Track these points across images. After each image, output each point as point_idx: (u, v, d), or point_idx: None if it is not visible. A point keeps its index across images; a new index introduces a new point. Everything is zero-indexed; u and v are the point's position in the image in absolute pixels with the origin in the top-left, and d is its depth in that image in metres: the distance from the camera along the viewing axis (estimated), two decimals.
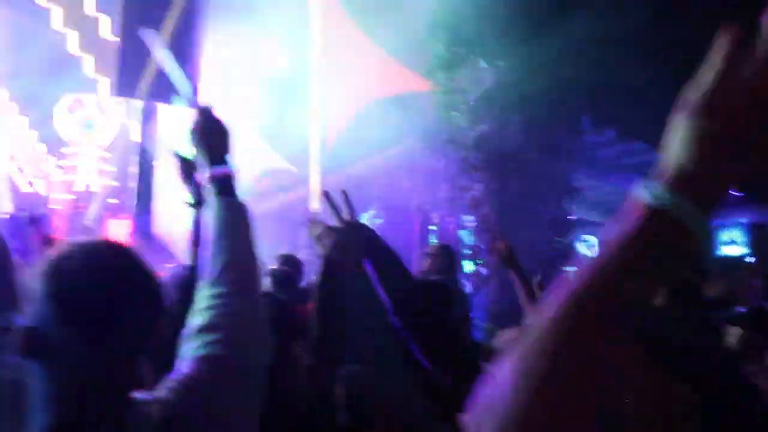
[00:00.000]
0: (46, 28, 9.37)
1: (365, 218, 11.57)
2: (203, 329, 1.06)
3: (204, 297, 1.09)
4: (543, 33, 5.35)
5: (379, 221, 10.62)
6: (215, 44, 6.17)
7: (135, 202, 7.34)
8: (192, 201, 1.72)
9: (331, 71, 8.62)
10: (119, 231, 8.84)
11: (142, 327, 0.99)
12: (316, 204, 9.38)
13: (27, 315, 0.96)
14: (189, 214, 1.75)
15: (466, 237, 8.80)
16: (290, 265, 3.47)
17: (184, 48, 5.49)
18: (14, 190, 10.78)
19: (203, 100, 1.36)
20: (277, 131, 9.39)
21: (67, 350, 0.93)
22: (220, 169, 1.22)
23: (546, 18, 5.44)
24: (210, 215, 1.19)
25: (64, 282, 0.95)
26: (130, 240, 6.97)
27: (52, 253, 1.00)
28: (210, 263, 1.12)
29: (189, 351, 1.03)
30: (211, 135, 1.24)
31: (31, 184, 11.20)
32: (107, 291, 0.96)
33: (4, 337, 1.26)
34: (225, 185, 1.21)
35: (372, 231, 1.76)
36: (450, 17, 6.80)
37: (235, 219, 1.18)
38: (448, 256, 3.56)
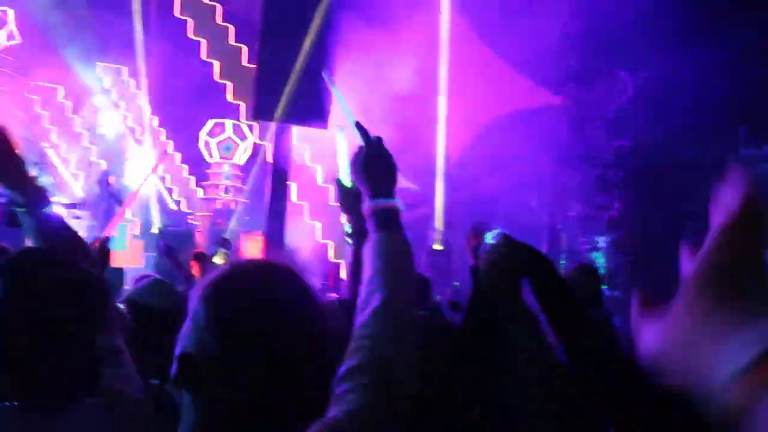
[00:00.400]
0: (194, 59, 10.22)
1: (489, 237, 11.31)
2: (352, 371, 0.98)
3: (357, 336, 1.02)
4: (695, 42, 4.91)
5: None
6: (345, 60, 6.34)
7: (267, 220, 7.68)
8: (351, 231, 1.68)
9: (457, 87, 8.56)
10: (252, 247, 9.35)
11: (305, 358, 0.92)
12: (440, 223, 9.31)
13: (184, 340, 0.91)
14: (348, 244, 1.71)
15: (599, 259, 8.29)
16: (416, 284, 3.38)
17: (318, 70, 5.66)
18: (163, 208, 11.82)
19: (372, 132, 1.31)
20: (399, 148, 9.45)
21: (226, 379, 0.87)
22: (383, 203, 1.16)
23: (699, 27, 4.99)
24: (369, 249, 1.12)
25: (227, 307, 0.90)
26: (262, 256, 7.27)
27: (213, 275, 0.95)
28: (366, 300, 1.05)
29: (337, 394, 0.96)
30: (377, 167, 1.20)
31: (177, 203, 12.22)
32: (271, 317, 0.90)
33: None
34: (388, 219, 1.15)
35: (535, 250, 1.59)
36: (584, 26, 6.48)
37: (397, 256, 1.11)
38: (592, 280, 3.14)
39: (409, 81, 8.19)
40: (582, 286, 2.90)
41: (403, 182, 10.15)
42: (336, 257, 9.79)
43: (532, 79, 7.75)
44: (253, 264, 1.00)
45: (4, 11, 11.43)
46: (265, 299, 0.91)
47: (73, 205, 8.70)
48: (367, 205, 1.16)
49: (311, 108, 6.14)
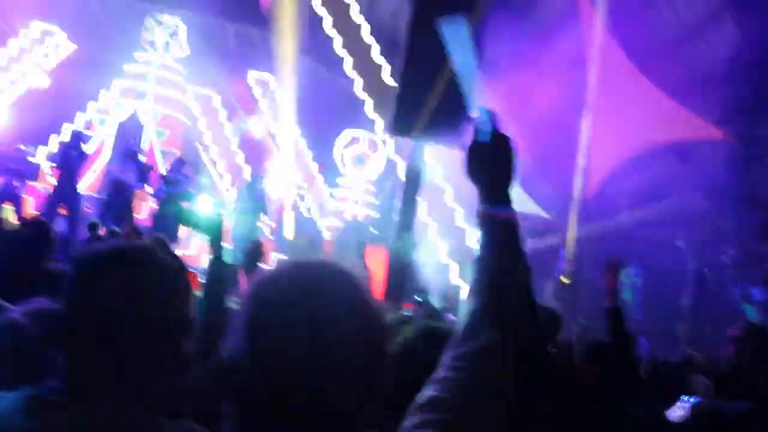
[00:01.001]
0: (337, 75, 10.69)
1: (623, 275, 10.60)
2: (434, 404, 0.85)
3: (448, 366, 0.90)
4: None
5: (637, 280, 9.62)
6: (490, 80, 6.26)
7: (394, 235, 7.74)
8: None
9: (603, 111, 8.13)
10: (376, 260, 9.49)
11: (353, 376, 0.80)
12: (570, 255, 8.88)
13: (226, 346, 0.83)
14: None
15: (752, 313, 7.42)
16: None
17: (459, 91, 5.62)
18: (296, 215, 12.42)
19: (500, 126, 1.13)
20: (533, 173, 9.17)
21: (256, 391, 0.78)
22: (499, 211, 0.99)
23: None
24: (478, 264, 0.97)
25: (263, 311, 0.81)
26: (384, 270, 7.33)
27: (260, 275, 0.87)
28: (467, 331, 0.91)
29: (410, 425, 0.84)
30: (498, 165, 1.01)
31: (309, 210, 12.79)
32: (310, 325, 0.78)
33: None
34: (504, 231, 0.98)
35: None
36: (758, 53, 5.87)
37: (512, 274, 0.95)
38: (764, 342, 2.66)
39: (551, 102, 7.92)
40: (754, 351, 2.54)
41: (533, 208, 9.85)
42: (459, 279, 9.68)
43: (691, 108, 7.16)
44: (301, 264, 0.87)
45: (177, 24, 12.70)
46: (300, 304, 0.79)
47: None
48: (479, 211, 1.00)
49: (448, 127, 6.12)
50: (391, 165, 10.87)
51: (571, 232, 8.41)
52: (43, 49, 12.83)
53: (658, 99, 7.64)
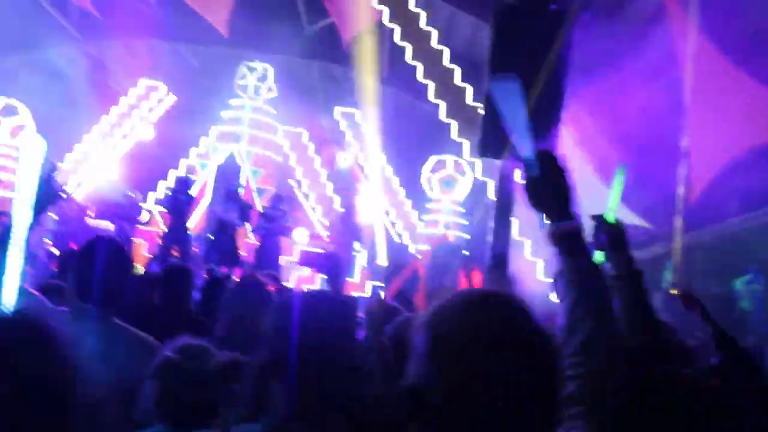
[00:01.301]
0: (422, 101, 10.88)
1: (740, 284, 9.89)
2: (572, 398, 0.91)
3: (571, 364, 0.96)
4: None
5: (756, 288, 8.97)
6: (573, 94, 6.16)
7: (489, 256, 7.67)
8: (616, 274, 1.59)
9: (702, 113, 7.74)
10: (471, 281, 9.44)
11: (524, 385, 0.87)
12: (677, 265, 8.43)
13: (411, 371, 0.90)
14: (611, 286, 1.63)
15: None
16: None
17: (546, 111, 5.60)
18: (388, 241, 12.62)
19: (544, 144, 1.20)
20: (631, 181, 8.80)
21: (445, 413, 0.83)
22: (564, 225, 1.08)
23: None
24: (558, 278, 1.05)
25: (444, 336, 0.88)
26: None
27: (435, 303, 0.94)
28: (570, 329, 0.98)
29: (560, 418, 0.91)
30: (551, 186, 1.10)
31: (400, 236, 12.95)
32: (489, 348, 0.86)
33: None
34: (571, 243, 1.06)
35: None
36: None
37: (590, 285, 1.02)
38: None
39: (646, 105, 7.64)
40: None
41: (632, 218, 9.46)
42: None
43: None
44: (476, 292, 0.98)
45: (265, 68, 13.44)
46: (486, 327, 0.86)
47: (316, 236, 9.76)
48: (547, 230, 1.09)
49: (540, 145, 6.03)
50: (480, 186, 10.85)
51: (678, 241, 8.00)
52: (148, 104, 13.98)
53: (762, 96, 7.19)
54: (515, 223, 8.65)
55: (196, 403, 1.48)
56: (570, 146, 10.22)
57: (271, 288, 2.50)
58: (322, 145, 14.35)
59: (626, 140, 8.08)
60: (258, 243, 9.21)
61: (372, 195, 12.99)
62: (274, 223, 9.01)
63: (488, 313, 0.91)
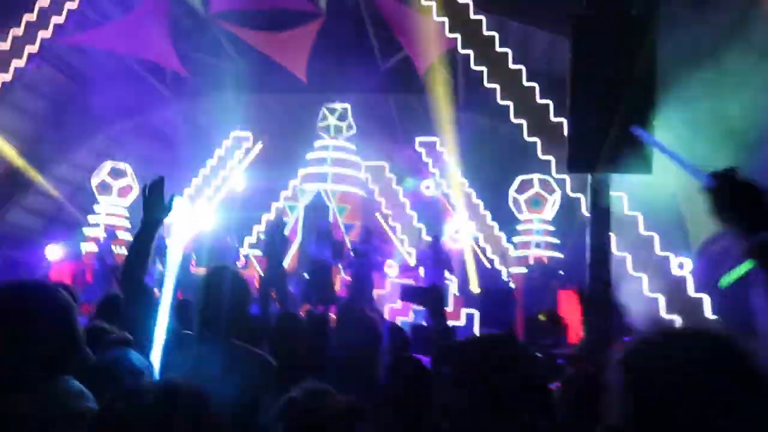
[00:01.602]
0: (501, 123, 10.76)
1: None
2: None
3: None
4: None
5: None
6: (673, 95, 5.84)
7: (587, 274, 7.35)
8: None
9: None
10: (571, 302, 9.07)
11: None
12: None
13: (609, 412, 0.86)
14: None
15: None
16: None
17: (638, 115, 5.36)
18: (479, 267, 12.43)
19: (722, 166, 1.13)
20: None
21: None
22: (763, 236, 1.01)
23: None
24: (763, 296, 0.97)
25: (646, 375, 0.83)
26: (581, 312, 6.95)
27: (632, 341, 0.90)
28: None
29: None
30: (742, 198, 1.04)
31: (491, 261, 12.72)
32: (700, 391, 0.80)
33: None
34: None
35: None
36: None
37: None
38: None
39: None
40: None
41: None
42: (668, 313, 8.85)
43: None
44: (675, 331, 0.93)
45: (345, 108, 13.83)
46: (687, 366, 0.80)
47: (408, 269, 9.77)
48: (746, 244, 1.01)
49: (632, 154, 5.77)
50: (571, 204, 10.49)
51: None
52: (239, 154, 14.75)
53: None
54: (612, 238, 8.27)
55: None
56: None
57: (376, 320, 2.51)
58: (405, 177, 14.48)
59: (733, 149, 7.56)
60: (351, 279, 9.34)
61: (459, 221, 12.91)
62: (366, 258, 9.11)
63: (704, 351, 0.85)
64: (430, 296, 2.31)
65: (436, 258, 8.97)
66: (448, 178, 13.56)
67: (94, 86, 13.17)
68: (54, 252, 11.40)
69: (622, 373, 0.85)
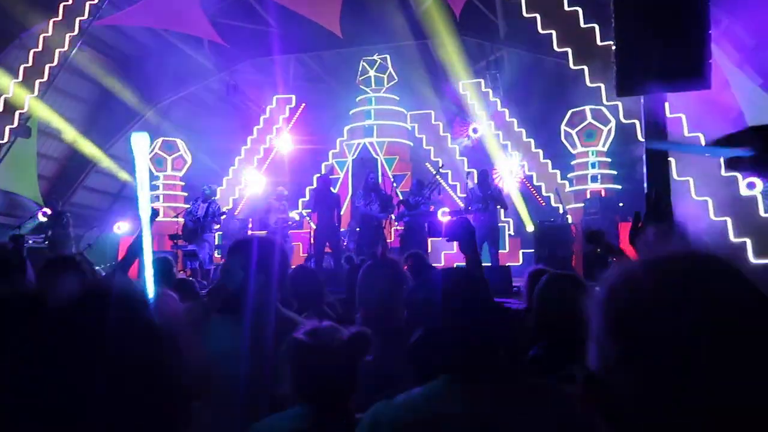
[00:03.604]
0: (546, 54, 10.20)
1: None
2: None
3: None
4: None
5: None
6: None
7: (647, 202, 6.98)
8: None
9: None
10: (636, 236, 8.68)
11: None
12: None
13: (589, 357, 0.71)
14: None
15: None
16: None
17: (690, 24, 4.92)
18: (533, 206, 12.10)
19: None
20: None
21: (636, 405, 0.64)
22: None
23: None
24: None
25: (631, 310, 0.67)
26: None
27: (614, 272, 0.72)
28: None
29: None
30: None
31: (546, 199, 12.36)
32: (691, 324, 0.63)
33: None
34: None
35: None
36: None
37: None
38: None
39: None
40: None
41: None
42: (737, 236, 8.35)
43: None
44: (673, 255, 0.72)
45: (383, 58, 13.52)
46: (678, 292, 0.64)
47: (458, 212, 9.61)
48: None
49: (686, 69, 5.33)
50: (627, 131, 9.95)
51: None
52: (283, 116, 14.75)
53: None
54: (672, 163, 7.79)
55: (330, 379, 1.51)
56: (729, 67, 8.97)
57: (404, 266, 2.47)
58: (452, 122, 14.12)
59: None
60: (403, 229, 9.26)
61: (510, 162, 12.56)
62: (417, 209, 8.99)
63: (702, 283, 0.67)
64: (455, 230, 2.22)
65: (485, 194, 8.71)
66: (497, 118, 13.13)
67: (137, 64, 13.37)
68: (123, 227, 11.85)
69: (602, 313, 0.69)
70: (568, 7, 9.33)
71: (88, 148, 13.04)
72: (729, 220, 8.44)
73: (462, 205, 10.65)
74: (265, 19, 13.38)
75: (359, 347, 1.51)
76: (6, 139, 11.48)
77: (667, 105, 6.85)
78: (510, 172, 12.44)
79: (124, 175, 13.69)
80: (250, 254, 2.10)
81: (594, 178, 11.52)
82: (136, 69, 13.32)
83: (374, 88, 13.71)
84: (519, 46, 11.83)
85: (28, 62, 11.26)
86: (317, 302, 3.21)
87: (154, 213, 3.63)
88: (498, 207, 8.85)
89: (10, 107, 11.22)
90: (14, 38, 11.25)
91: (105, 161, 13.37)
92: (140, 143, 1.46)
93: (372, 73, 13.64)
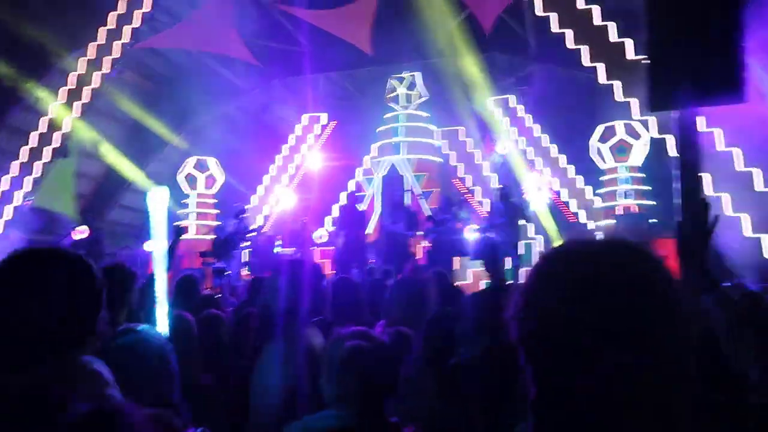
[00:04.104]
0: (576, 70, 10.08)
1: None
2: None
3: None
4: None
5: None
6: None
7: (678, 219, 6.79)
8: None
9: None
10: (665, 251, 8.45)
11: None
12: None
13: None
14: None
15: None
16: None
17: (726, 38, 4.79)
18: (562, 222, 11.90)
19: None
20: None
21: (542, 384, 0.75)
22: None
23: None
24: None
25: (548, 293, 0.76)
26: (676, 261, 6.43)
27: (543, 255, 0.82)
28: None
29: None
30: None
31: (575, 215, 12.15)
32: (602, 306, 0.72)
33: None
34: None
35: None
36: None
37: None
38: None
39: None
40: None
41: None
42: None
43: None
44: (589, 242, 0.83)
45: (412, 76, 13.58)
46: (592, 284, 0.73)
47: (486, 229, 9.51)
48: None
49: (721, 83, 5.17)
50: (660, 147, 9.74)
51: None
52: (312, 135, 14.91)
53: None
54: (706, 178, 7.57)
55: (379, 378, 1.56)
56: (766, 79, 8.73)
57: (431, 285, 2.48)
58: (481, 139, 14.05)
59: None
60: (430, 246, 9.20)
61: (539, 178, 12.41)
62: (444, 226, 8.93)
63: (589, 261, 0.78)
64: (479, 249, 2.22)
65: (507, 208, 8.56)
66: (526, 134, 13.02)
67: (172, 86, 13.71)
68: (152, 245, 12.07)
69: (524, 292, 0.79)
70: (599, 22, 9.23)
71: (124, 167, 13.38)
72: (765, 237, 8.15)
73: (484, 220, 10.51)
74: (296, 39, 13.61)
75: (402, 346, 1.58)
76: (47, 159, 11.87)
77: (701, 119, 6.71)
78: (539, 188, 12.29)
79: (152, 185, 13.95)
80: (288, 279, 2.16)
81: (626, 194, 11.29)
82: (171, 90, 13.66)
83: (403, 105, 13.76)
84: (549, 62, 11.75)
85: (69, 84, 11.67)
86: (359, 313, 3.20)
87: (181, 230, 3.73)
88: (522, 222, 8.70)
89: (52, 127, 11.62)
90: (58, 61, 11.67)
91: (141, 180, 13.69)
92: (158, 197, 1.52)
93: (400, 90, 13.69)
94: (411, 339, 1.63)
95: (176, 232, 3.58)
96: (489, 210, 8.84)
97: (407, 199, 10.72)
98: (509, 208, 8.60)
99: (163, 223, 1.45)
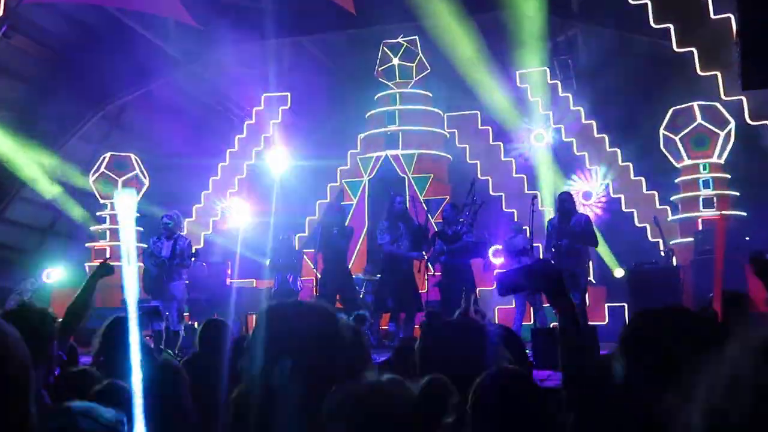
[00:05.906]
0: (640, 34, 10.17)
1: None
2: None
3: None
4: None
5: None
6: None
7: None
8: None
9: None
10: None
11: None
12: None
13: None
14: None
15: None
16: None
17: None
18: (624, 240, 11.94)
19: None
20: None
21: None
22: None
23: None
24: None
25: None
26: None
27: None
28: None
29: None
30: None
31: (641, 231, 12.20)
32: None
33: None
34: None
35: None
36: None
37: None
38: None
39: None
40: None
41: None
42: None
43: None
44: None
45: (410, 41, 13.61)
46: None
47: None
48: None
49: None
50: (754, 137, 9.80)
51: None
52: (273, 122, 14.84)
53: None
54: None
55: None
56: None
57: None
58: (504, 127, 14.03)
59: None
60: (441, 275, 9.13)
61: (587, 181, 12.45)
62: (459, 241, 8.86)
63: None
64: (538, 276, 2.12)
65: (566, 227, 8.44)
66: (568, 120, 13.06)
67: (80, 55, 13.58)
68: (54, 275, 11.90)
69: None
70: None
71: (14, 162, 13.15)
72: None
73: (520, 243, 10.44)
74: None
75: (437, 401, 1.60)
76: None
77: None
78: (588, 194, 12.33)
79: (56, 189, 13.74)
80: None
81: (708, 202, 11.34)
82: (80, 61, 13.54)
83: (399, 81, 13.74)
84: (600, 22, 11.83)
85: None
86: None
87: (108, 269, 3.66)
88: (583, 245, 8.59)
89: None
90: None
91: (37, 181, 13.47)
92: (126, 203, 1.52)
93: (396, 61, 13.68)
94: (449, 388, 1.73)
95: (101, 270, 3.68)
96: (548, 229, 8.74)
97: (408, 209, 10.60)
98: (568, 225, 8.44)
99: (133, 240, 1.45)
